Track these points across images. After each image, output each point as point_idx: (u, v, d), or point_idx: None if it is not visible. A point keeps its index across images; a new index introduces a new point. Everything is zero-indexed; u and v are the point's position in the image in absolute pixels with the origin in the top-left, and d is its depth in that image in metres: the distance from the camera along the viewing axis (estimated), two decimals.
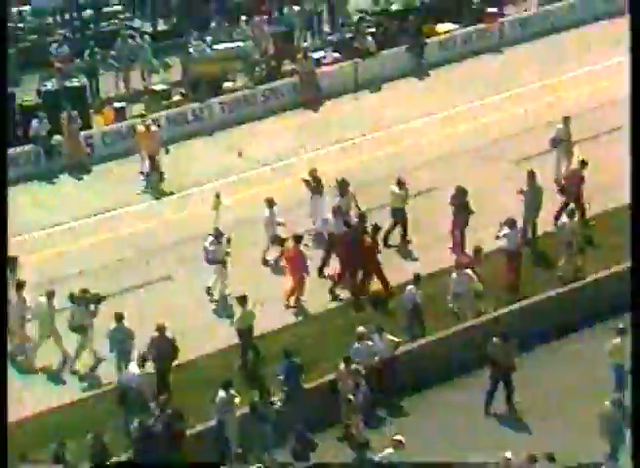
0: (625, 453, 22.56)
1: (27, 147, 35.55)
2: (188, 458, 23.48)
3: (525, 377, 25.55)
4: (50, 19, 41.08)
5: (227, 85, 39.24)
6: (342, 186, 30.73)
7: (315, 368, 25.73)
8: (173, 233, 31.87)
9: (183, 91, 39.09)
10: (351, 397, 24.33)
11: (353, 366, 24.57)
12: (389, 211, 30.58)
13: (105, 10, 42.14)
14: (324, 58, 40.63)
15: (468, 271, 27.44)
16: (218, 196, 31.40)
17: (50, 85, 37.28)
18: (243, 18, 41.51)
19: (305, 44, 41.01)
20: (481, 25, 42.76)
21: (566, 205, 30.47)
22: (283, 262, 29.68)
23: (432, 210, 31.03)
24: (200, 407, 24.67)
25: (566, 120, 33.20)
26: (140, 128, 35.05)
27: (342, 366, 24.58)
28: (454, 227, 30.32)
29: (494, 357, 25.40)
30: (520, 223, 29.34)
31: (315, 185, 31.02)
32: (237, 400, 24.22)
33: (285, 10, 42.83)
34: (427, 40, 41.40)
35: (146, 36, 41.07)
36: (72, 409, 25.76)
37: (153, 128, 34.88)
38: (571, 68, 40.36)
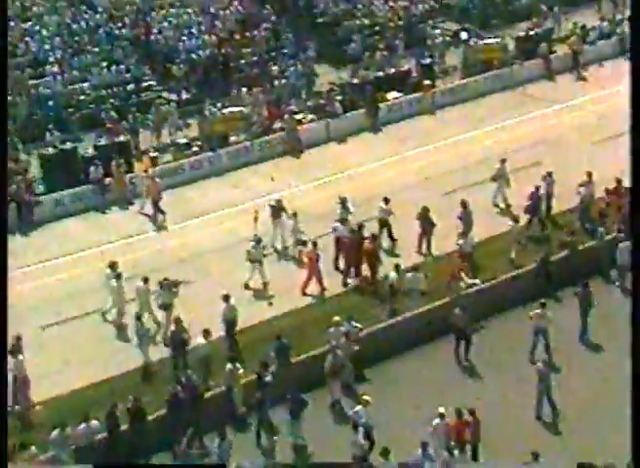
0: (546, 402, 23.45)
1: (87, 187, 35.55)
2: (205, 416, 23.16)
3: (482, 340, 26.15)
4: (103, 92, 40.99)
5: (233, 139, 39.22)
6: (344, 202, 31.05)
7: (301, 346, 25.58)
8: (198, 245, 31.94)
9: (200, 143, 38.98)
10: (330, 366, 24.38)
11: (333, 343, 24.83)
12: (377, 220, 30.88)
13: (144, 84, 42.05)
14: (303, 118, 40.51)
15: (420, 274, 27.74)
16: (257, 212, 31.25)
17: (103, 141, 37.28)
18: (244, 89, 41.47)
19: (290, 108, 40.89)
20: (419, 94, 42.53)
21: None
22: (304, 260, 29.65)
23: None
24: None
25: (503, 161, 33.12)
26: (147, 180, 34.77)
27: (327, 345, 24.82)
28: (420, 236, 30.56)
29: (456, 323, 25.76)
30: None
31: (277, 212, 31.27)
32: (241, 371, 24.13)
33: (275, 83, 42.81)
34: (380, 105, 41.26)
35: (173, 103, 40.97)
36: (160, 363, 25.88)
37: (157, 180, 34.58)
38: (487, 124, 40.30)
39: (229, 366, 24.13)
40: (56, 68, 40.98)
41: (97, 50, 42.59)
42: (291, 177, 36.52)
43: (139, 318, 26.18)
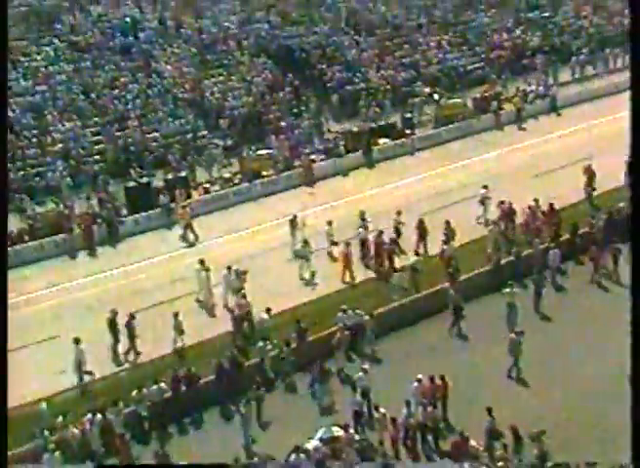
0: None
1: (158, 210, 35.55)
2: (245, 380, 22.63)
3: (471, 314, 25.71)
4: (169, 140, 40.95)
5: (264, 173, 39.10)
6: (362, 215, 31.04)
7: (318, 327, 25.19)
8: (239, 252, 31.43)
9: (240, 177, 38.89)
10: (337, 342, 24.18)
11: (340, 325, 24.72)
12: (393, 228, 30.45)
13: (199, 134, 42.02)
14: (316, 158, 40.42)
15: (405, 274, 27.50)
16: (304, 223, 31.45)
17: (169, 176, 37.43)
18: (272, 136, 41.50)
19: (306, 150, 40.93)
20: (402, 139, 42.47)
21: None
22: (339, 257, 29.27)
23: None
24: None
25: (485, 187, 32.65)
26: (181, 210, 34.38)
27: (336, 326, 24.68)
28: (418, 240, 30.51)
29: (452, 302, 25.50)
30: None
31: (294, 224, 31.31)
32: (269, 347, 23.90)
33: (295, 132, 42.70)
34: (373, 148, 41.20)
35: (220, 148, 40.95)
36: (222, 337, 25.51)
37: (187, 209, 34.36)
38: (453, 162, 39.89)
39: (260, 343, 23.98)
40: (136, 122, 41.15)
41: (165, 109, 42.70)
42: (308, 203, 36.40)
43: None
